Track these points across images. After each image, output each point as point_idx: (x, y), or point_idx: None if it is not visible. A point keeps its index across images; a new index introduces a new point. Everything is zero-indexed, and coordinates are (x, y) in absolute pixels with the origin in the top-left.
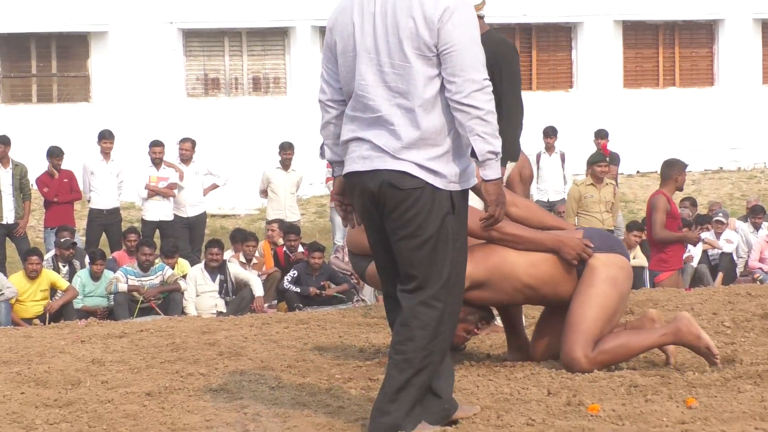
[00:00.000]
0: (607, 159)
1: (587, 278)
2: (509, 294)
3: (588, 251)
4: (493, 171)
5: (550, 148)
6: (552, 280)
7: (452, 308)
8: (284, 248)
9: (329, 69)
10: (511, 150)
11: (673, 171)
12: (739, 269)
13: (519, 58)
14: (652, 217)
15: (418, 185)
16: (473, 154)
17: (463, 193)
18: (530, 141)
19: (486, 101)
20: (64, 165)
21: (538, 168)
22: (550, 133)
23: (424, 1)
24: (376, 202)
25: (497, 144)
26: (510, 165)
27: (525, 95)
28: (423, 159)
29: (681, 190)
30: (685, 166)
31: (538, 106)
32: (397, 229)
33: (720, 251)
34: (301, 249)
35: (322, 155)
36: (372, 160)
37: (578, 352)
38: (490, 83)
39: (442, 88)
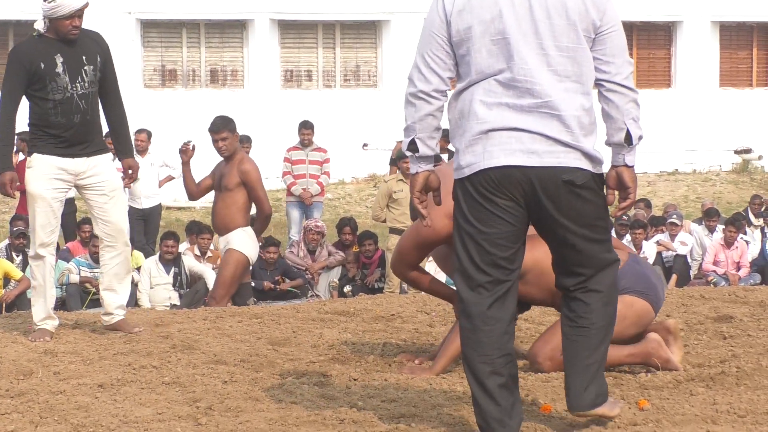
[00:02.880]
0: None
1: None
2: (541, 291)
3: None
4: (634, 156)
5: None
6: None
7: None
8: None
9: (437, 57)
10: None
11: None
12: (693, 272)
13: None
14: None
15: (587, 177)
16: (626, 138)
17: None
18: None
19: (634, 85)
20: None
21: None
22: None
23: None
24: (534, 198)
25: (642, 129)
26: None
27: None
28: (590, 146)
29: None
30: None
31: None
32: (572, 224)
33: (674, 253)
34: None
35: (414, 149)
36: (541, 156)
37: (540, 357)
38: None
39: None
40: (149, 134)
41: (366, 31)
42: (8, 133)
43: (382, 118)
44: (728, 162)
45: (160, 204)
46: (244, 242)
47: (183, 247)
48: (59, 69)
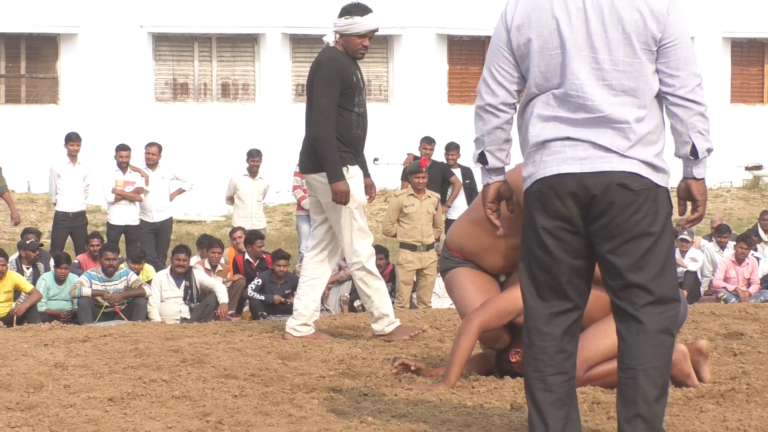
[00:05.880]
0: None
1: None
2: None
3: None
4: (704, 169)
5: None
6: (588, 314)
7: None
8: (244, 255)
9: (503, 70)
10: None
11: None
12: (704, 288)
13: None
14: None
15: (647, 185)
16: (692, 152)
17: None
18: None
19: (703, 96)
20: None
21: None
22: None
23: None
24: (590, 205)
25: (711, 141)
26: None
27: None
28: (650, 156)
29: None
30: None
31: None
32: (623, 233)
33: (685, 269)
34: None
35: (483, 161)
36: (593, 161)
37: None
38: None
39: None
40: (160, 147)
41: (377, 45)
42: (335, 144)
43: (393, 133)
44: (739, 178)
45: (171, 218)
46: None
47: (194, 260)
48: (361, 83)
